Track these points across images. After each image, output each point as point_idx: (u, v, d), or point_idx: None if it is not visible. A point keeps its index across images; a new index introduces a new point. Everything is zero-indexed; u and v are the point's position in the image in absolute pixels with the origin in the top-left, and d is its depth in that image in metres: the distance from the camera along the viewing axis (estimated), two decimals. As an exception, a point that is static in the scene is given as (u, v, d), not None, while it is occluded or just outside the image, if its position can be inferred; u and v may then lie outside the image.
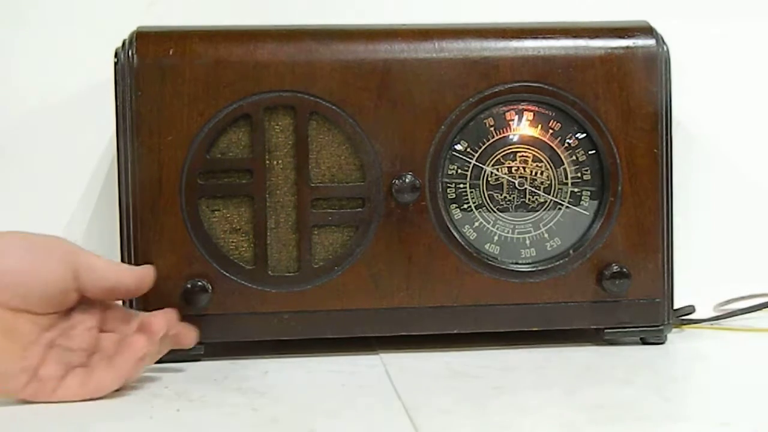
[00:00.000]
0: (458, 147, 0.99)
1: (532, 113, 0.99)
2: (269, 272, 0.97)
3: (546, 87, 0.99)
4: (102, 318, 0.89)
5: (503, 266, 0.99)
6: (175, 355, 0.93)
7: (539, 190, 0.99)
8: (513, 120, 0.99)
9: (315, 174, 0.97)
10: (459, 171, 0.99)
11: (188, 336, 0.93)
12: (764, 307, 1.10)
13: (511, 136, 0.99)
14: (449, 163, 0.99)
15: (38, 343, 0.85)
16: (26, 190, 1.13)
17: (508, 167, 0.99)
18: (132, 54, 0.95)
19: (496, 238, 0.99)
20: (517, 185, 0.99)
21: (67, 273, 0.85)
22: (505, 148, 0.99)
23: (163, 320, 0.88)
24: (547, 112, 0.99)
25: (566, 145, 1.00)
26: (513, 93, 0.98)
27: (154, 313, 0.89)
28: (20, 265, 0.83)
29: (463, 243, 0.98)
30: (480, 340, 1.00)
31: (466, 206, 0.99)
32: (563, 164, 1.00)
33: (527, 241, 1.00)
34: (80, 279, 0.86)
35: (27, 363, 0.83)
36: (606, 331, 1.00)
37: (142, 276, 0.91)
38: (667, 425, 0.80)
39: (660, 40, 1.00)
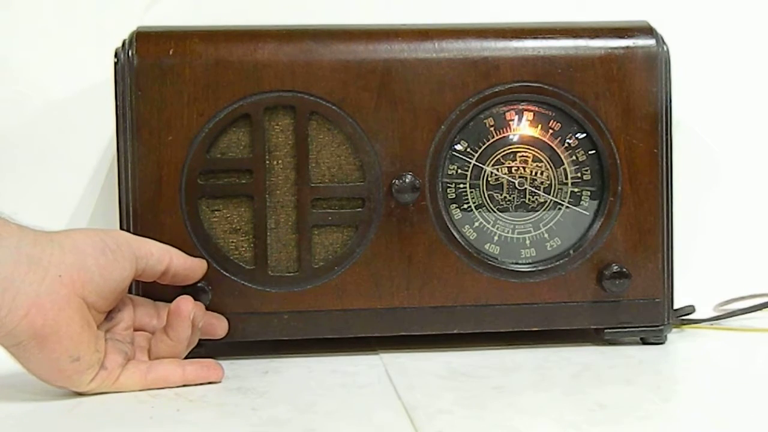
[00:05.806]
0: (458, 147, 0.99)
1: (532, 113, 0.99)
2: (269, 272, 0.97)
3: (546, 87, 0.98)
4: (134, 315, 0.92)
5: (503, 266, 0.99)
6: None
7: (539, 190, 0.99)
8: (513, 120, 0.99)
9: (315, 174, 0.97)
10: (459, 171, 0.99)
11: (220, 326, 0.94)
12: (764, 307, 1.10)
13: (511, 136, 0.99)
14: (449, 163, 0.99)
15: (102, 336, 0.88)
16: (26, 189, 1.13)
17: (508, 167, 0.99)
18: (132, 54, 0.95)
19: (496, 238, 0.99)
20: (517, 185, 0.99)
21: (132, 269, 0.88)
22: (505, 148, 0.99)
23: (188, 301, 0.89)
24: (547, 112, 0.99)
25: (566, 145, 1.00)
26: (513, 93, 0.98)
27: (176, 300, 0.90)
28: (97, 266, 0.86)
29: (463, 243, 0.98)
30: (480, 340, 1.00)
31: (466, 206, 0.99)
32: (563, 164, 1.00)
33: (527, 241, 1.00)
34: (139, 268, 0.89)
35: (100, 354, 0.86)
36: (606, 331, 1.00)
37: (194, 265, 0.93)
38: (667, 425, 0.80)
39: (660, 40, 1.00)
